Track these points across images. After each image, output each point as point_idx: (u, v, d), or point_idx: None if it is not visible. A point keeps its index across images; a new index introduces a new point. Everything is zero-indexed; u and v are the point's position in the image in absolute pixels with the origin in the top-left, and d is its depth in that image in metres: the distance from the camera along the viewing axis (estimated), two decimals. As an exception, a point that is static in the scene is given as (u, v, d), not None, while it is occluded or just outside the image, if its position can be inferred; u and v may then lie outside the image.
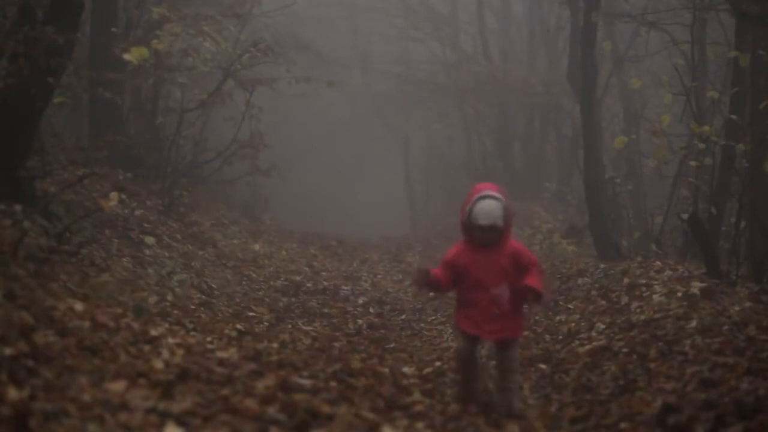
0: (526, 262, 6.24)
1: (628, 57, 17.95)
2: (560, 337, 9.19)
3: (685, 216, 10.16)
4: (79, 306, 6.67)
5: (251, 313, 10.32)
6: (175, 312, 8.73)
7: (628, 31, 18.02)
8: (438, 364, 8.07)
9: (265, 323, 9.90)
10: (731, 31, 11.51)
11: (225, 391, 5.58)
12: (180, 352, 6.48)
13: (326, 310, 11.34)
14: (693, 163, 10.45)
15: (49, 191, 8.42)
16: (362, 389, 6.41)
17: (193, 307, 9.69)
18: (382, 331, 10.15)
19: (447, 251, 6.36)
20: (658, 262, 11.31)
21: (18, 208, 7.17)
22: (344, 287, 13.40)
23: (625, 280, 10.61)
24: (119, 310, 7.17)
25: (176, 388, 5.34)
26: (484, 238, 6.22)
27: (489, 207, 6.21)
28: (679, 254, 12.41)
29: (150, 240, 10.88)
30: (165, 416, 4.79)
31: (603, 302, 10.06)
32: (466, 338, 6.36)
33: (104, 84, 11.20)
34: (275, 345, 8.00)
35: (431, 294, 6.74)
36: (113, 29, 13.77)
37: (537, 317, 10.09)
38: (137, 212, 11.94)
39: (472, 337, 6.33)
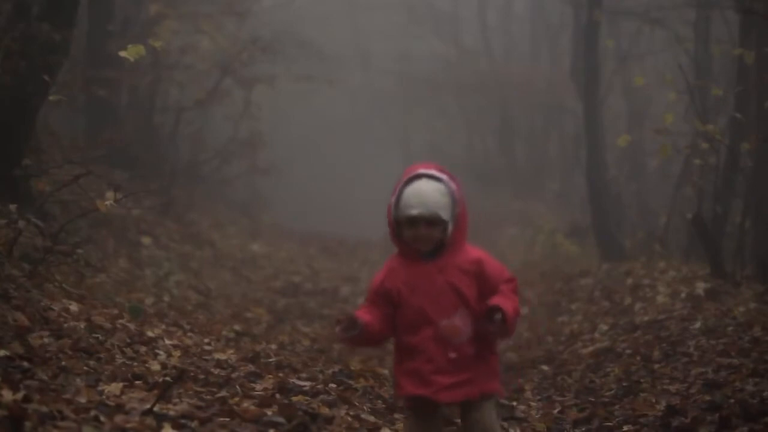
0: (494, 279, 4.18)
1: (631, 55, 17.89)
2: (563, 338, 9.15)
3: (690, 216, 10.11)
4: (74, 307, 6.66)
5: (249, 314, 10.27)
6: (172, 313, 8.68)
7: (632, 29, 17.96)
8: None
9: (264, 324, 9.85)
10: (736, 29, 11.45)
11: (222, 393, 5.57)
12: (177, 353, 6.46)
13: (326, 311, 11.29)
14: (697, 162, 10.40)
15: (44, 190, 8.36)
16: (362, 391, 6.38)
17: (190, 308, 9.63)
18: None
19: (374, 276, 4.35)
20: (662, 263, 11.29)
21: (13, 207, 7.12)
22: (344, 288, 13.36)
23: (629, 281, 10.60)
24: (115, 311, 7.13)
25: (173, 390, 5.30)
26: (417, 238, 4.14)
27: (422, 189, 4.16)
28: (683, 254, 12.34)
29: (147, 240, 10.85)
30: (162, 419, 4.75)
31: (606, 303, 10.05)
32: (415, 410, 4.27)
33: (101, 82, 11.15)
34: (274, 346, 7.97)
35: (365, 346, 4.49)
36: (110, 27, 13.71)
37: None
38: (134, 212, 11.89)
39: (424, 406, 4.21)
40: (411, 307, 4.18)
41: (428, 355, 4.14)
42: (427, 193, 4.16)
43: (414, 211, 4.13)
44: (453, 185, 4.20)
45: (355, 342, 4.19)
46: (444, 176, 4.20)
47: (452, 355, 4.13)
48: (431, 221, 4.13)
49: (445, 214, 4.14)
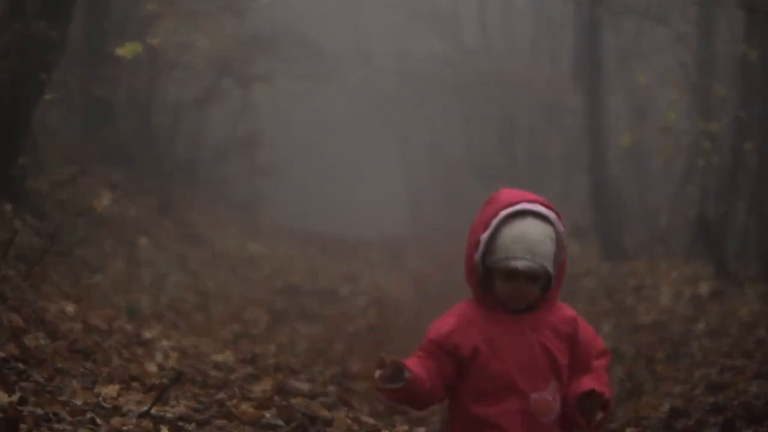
0: (585, 348, 3.31)
1: (633, 54, 17.85)
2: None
3: (693, 216, 10.09)
4: (71, 308, 6.64)
5: (248, 315, 10.22)
6: (170, 314, 8.66)
7: (634, 28, 17.93)
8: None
9: (263, 325, 9.81)
10: (738, 27, 11.41)
11: (220, 395, 5.57)
12: (174, 355, 6.45)
13: (325, 312, 11.26)
14: (700, 162, 10.36)
15: (41, 190, 8.32)
16: (361, 393, 6.34)
17: (188, 308, 9.60)
18: (382, 332, 10.08)
19: (436, 321, 3.38)
20: (665, 263, 11.26)
21: (8, 207, 7.09)
22: (344, 288, 13.33)
23: (631, 281, 10.58)
24: (112, 312, 7.12)
25: (170, 392, 5.28)
26: (515, 295, 3.26)
27: (530, 234, 3.26)
28: (686, 254, 12.29)
29: (145, 240, 10.81)
30: (159, 421, 4.75)
31: (608, 303, 10.02)
32: None
33: (99, 80, 11.09)
34: (272, 347, 7.94)
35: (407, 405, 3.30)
36: (107, 24, 13.66)
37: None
38: (132, 212, 11.84)
39: None
40: (491, 371, 3.25)
41: None
42: (537, 240, 3.25)
43: (519, 264, 3.21)
44: (561, 227, 3.32)
45: (397, 398, 3.20)
46: (552, 215, 3.30)
47: None
48: (536, 276, 3.24)
49: (551, 268, 3.25)
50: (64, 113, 12.87)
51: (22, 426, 4.21)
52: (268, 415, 5.24)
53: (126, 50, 7.69)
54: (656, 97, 16.76)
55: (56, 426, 4.34)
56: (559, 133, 25.26)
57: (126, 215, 11.38)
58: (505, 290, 3.24)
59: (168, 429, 4.69)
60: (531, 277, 3.22)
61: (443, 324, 3.30)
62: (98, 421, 4.54)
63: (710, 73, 12.72)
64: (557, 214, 3.32)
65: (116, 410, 4.79)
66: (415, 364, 3.22)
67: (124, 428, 4.55)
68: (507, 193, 3.33)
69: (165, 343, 6.73)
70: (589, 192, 14.32)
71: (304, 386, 6.08)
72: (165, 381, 5.50)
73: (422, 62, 30.32)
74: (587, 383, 3.21)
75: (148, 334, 6.79)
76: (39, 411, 4.42)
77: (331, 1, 31.06)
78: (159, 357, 6.28)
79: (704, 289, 9.13)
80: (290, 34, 19.05)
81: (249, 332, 8.89)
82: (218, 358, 6.68)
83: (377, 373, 3.18)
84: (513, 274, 3.21)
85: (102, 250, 9.74)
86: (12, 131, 8.16)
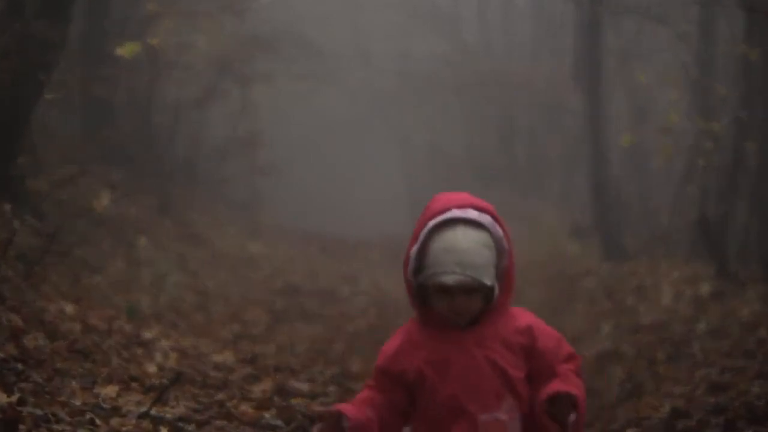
0: (548, 356, 3.04)
1: (633, 53, 17.84)
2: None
3: (694, 216, 10.07)
4: (70, 308, 6.63)
5: (248, 315, 10.21)
6: (170, 314, 8.64)
7: (634, 27, 17.92)
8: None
9: (263, 325, 9.80)
10: (738, 27, 11.40)
11: (220, 396, 5.58)
12: (174, 355, 6.44)
13: (325, 312, 11.24)
14: (701, 162, 10.35)
15: (40, 190, 8.30)
16: (362, 393, 6.31)
17: (188, 309, 9.58)
18: (383, 332, 10.04)
19: (384, 344, 3.18)
20: (665, 263, 11.23)
21: (8, 207, 7.07)
22: (344, 288, 13.31)
23: (632, 281, 10.56)
24: (112, 312, 7.10)
25: (170, 393, 5.27)
26: (452, 311, 3.02)
27: (459, 244, 3.00)
28: (686, 254, 12.27)
29: (144, 240, 10.79)
30: (158, 421, 4.75)
31: (609, 303, 10.01)
32: None
33: (98, 80, 11.07)
34: (272, 348, 7.93)
35: None
36: (107, 24, 13.64)
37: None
38: (132, 211, 11.83)
39: None
40: (438, 394, 3.00)
41: None
42: (468, 250, 2.97)
43: (449, 279, 2.97)
44: (499, 231, 3.04)
45: None
46: (487, 219, 3.02)
47: None
48: (471, 289, 2.99)
49: (489, 278, 2.99)
50: (64, 113, 12.86)
51: (21, 426, 4.22)
52: (268, 415, 5.24)
53: (126, 50, 7.68)
54: (656, 97, 16.75)
55: (55, 426, 4.34)
56: (559, 133, 25.25)
57: (126, 215, 11.37)
58: (441, 306, 3.01)
59: (167, 430, 4.70)
60: (465, 290, 2.98)
61: (388, 348, 3.10)
62: (97, 421, 4.55)
63: (710, 73, 12.71)
64: (495, 216, 3.05)
65: (115, 411, 4.79)
66: (358, 407, 3.01)
67: (124, 429, 4.56)
68: (438, 201, 3.08)
69: (164, 343, 6.72)
70: (589, 192, 14.31)
71: (304, 386, 6.07)
72: (164, 381, 5.49)
73: (422, 62, 30.29)
74: (551, 387, 2.93)
75: (147, 335, 6.77)
76: (38, 411, 4.43)
77: (331, 1, 31.06)
78: (158, 357, 6.26)
79: (705, 289, 9.11)
80: (290, 34, 19.03)
81: (249, 332, 8.87)
82: (218, 358, 6.66)
83: (315, 429, 2.98)
84: (445, 290, 2.99)
85: (102, 250, 9.72)
86: (12, 131, 8.14)
